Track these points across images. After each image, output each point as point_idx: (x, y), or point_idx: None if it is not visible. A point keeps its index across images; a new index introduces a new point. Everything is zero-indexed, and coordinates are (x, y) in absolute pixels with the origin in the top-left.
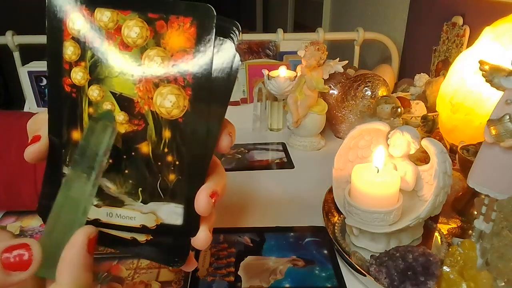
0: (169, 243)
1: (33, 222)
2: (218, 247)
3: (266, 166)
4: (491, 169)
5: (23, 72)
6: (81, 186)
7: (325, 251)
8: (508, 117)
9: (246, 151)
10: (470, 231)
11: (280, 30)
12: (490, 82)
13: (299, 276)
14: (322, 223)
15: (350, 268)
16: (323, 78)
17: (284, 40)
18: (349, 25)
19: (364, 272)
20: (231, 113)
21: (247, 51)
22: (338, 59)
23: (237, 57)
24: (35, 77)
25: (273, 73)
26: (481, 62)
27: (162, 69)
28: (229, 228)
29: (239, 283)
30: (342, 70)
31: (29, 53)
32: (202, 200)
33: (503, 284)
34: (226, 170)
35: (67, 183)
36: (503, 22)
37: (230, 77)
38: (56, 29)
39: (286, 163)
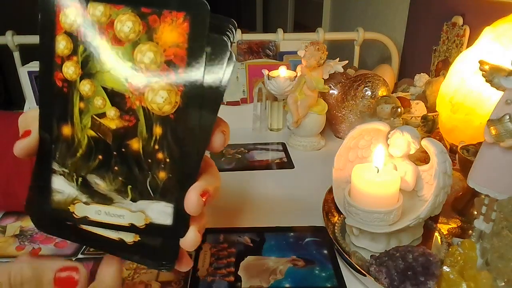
0: (156, 245)
1: None
2: (218, 247)
3: (266, 166)
4: (491, 169)
5: (23, 72)
6: None
7: (325, 251)
8: (508, 117)
9: (246, 151)
10: (470, 231)
11: (280, 30)
12: (490, 82)
13: (299, 276)
14: (322, 223)
15: (350, 268)
16: (323, 78)
17: (284, 40)
18: (349, 25)
19: (364, 272)
20: (231, 113)
21: (247, 51)
22: (338, 59)
23: (232, 55)
24: (35, 77)
25: (273, 73)
26: (481, 62)
27: (154, 64)
28: (229, 228)
29: (239, 283)
30: (342, 70)
31: (29, 53)
32: (191, 198)
33: (503, 284)
34: (226, 170)
35: None
36: (503, 22)
37: (224, 74)
38: (48, 23)
39: (286, 163)
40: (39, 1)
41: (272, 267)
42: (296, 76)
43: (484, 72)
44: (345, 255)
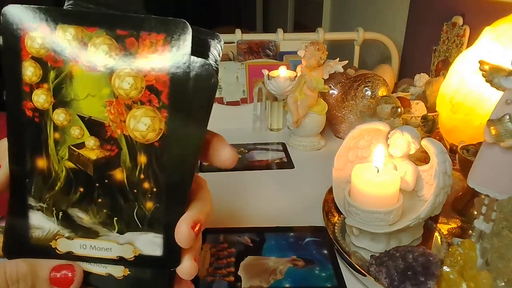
0: (147, 278)
1: None
2: (218, 247)
3: (266, 166)
4: (491, 169)
5: None
6: None
7: (325, 251)
8: (508, 117)
9: (246, 151)
10: (470, 231)
11: (280, 30)
12: (490, 82)
13: (299, 276)
14: (322, 223)
15: (350, 268)
16: (323, 78)
17: (284, 40)
18: (349, 25)
19: (364, 272)
20: (231, 113)
21: (247, 51)
22: (338, 59)
23: (215, 78)
24: None
25: (273, 73)
26: (481, 62)
27: (135, 90)
28: (229, 228)
29: (239, 283)
30: (342, 70)
31: None
32: (182, 232)
33: (503, 284)
34: (226, 170)
35: None
36: (503, 22)
37: (208, 97)
38: (13, 48)
39: (286, 163)
40: (1, 24)
41: (272, 267)
42: (296, 76)
43: (484, 72)
44: (345, 255)
